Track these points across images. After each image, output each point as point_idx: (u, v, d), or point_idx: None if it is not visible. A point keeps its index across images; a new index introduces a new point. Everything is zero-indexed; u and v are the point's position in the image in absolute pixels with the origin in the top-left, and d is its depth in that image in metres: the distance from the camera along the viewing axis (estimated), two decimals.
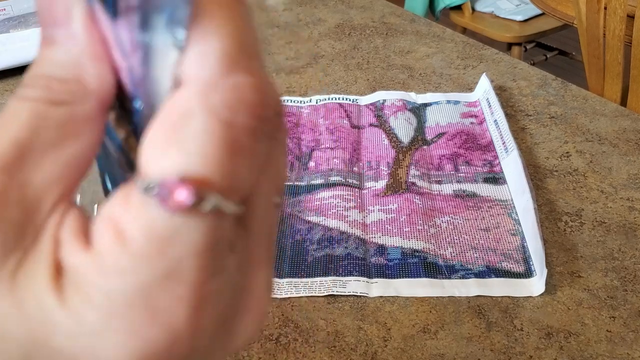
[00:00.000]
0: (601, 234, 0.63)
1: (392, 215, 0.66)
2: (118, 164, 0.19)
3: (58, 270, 0.14)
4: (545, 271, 0.57)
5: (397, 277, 0.59)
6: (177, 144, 0.14)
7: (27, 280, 0.14)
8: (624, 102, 1.20)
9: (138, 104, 0.17)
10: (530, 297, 0.56)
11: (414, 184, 0.70)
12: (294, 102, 0.88)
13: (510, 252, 0.61)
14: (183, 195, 0.14)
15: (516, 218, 0.65)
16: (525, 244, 0.62)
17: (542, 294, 0.56)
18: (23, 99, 0.16)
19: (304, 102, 0.87)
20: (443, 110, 0.84)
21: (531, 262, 0.60)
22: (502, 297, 0.57)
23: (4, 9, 1.16)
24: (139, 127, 0.17)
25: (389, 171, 0.73)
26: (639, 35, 1.06)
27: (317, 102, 0.87)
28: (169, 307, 0.14)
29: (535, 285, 0.57)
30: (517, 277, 0.58)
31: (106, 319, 0.14)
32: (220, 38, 0.15)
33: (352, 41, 1.06)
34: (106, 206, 0.15)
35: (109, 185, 0.21)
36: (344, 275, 0.59)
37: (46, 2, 0.16)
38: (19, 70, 0.99)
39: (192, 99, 0.14)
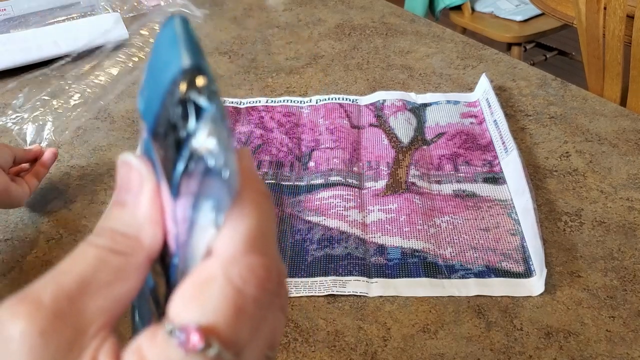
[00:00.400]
0: (601, 234, 0.63)
1: (392, 215, 0.66)
2: (147, 302, 0.24)
3: None
4: (544, 271, 0.57)
5: (397, 277, 0.59)
6: (199, 300, 0.19)
7: None
8: (623, 102, 1.20)
9: (176, 261, 0.21)
10: (530, 297, 0.57)
11: (413, 184, 0.70)
12: (294, 102, 0.88)
13: (509, 252, 0.61)
14: (196, 340, 0.18)
15: (516, 218, 0.65)
16: (524, 244, 0.62)
17: (541, 294, 0.57)
18: (92, 245, 0.21)
19: (304, 102, 0.87)
20: (443, 110, 0.84)
21: (531, 262, 0.60)
22: (501, 297, 0.57)
23: (4, 9, 1.16)
24: (172, 278, 0.22)
25: (389, 171, 0.73)
26: (638, 35, 1.06)
27: (317, 102, 0.87)
28: None
29: (534, 285, 0.57)
30: (517, 277, 0.58)
31: None
32: (247, 225, 0.20)
33: (352, 41, 1.06)
34: (137, 338, 0.19)
35: (137, 317, 0.25)
36: (344, 275, 0.59)
37: (126, 173, 0.22)
38: (19, 70, 0.99)
39: (216, 268, 0.19)
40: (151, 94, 0.21)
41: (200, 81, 0.19)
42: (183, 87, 0.19)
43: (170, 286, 0.22)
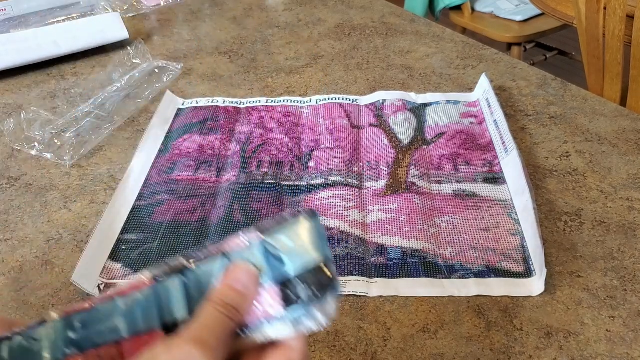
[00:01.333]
0: (601, 234, 0.63)
1: (392, 215, 0.66)
2: None
3: None
4: (544, 271, 0.57)
5: (397, 277, 0.59)
6: None
7: None
8: (623, 102, 1.20)
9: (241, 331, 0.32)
10: (530, 296, 0.57)
11: (413, 184, 0.70)
12: (294, 102, 0.88)
13: (509, 252, 0.61)
14: None
15: (516, 218, 0.65)
16: (524, 244, 0.62)
17: (541, 294, 0.57)
18: (219, 309, 0.31)
19: (304, 102, 0.87)
20: (443, 111, 0.84)
21: (531, 262, 0.60)
22: (501, 296, 0.57)
23: (4, 9, 1.16)
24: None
25: (389, 171, 0.73)
26: (638, 35, 1.06)
27: (317, 102, 0.87)
28: None
29: (534, 285, 0.57)
30: (517, 277, 0.58)
31: None
32: (305, 340, 0.33)
33: (352, 41, 1.06)
34: None
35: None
36: (344, 275, 0.59)
37: (242, 274, 0.33)
38: (19, 70, 0.99)
39: (299, 356, 0.32)
40: (294, 261, 0.32)
41: (333, 270, 0.32)
42: (328, 272, 0.32)
43: None
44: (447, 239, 0.63)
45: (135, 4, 1.22)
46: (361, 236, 0.64)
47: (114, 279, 0.60)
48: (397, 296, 0.57)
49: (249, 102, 0.88)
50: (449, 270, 0.59)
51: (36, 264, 0.63)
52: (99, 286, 0.59)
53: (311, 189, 0.71)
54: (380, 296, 0.57)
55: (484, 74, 0.88)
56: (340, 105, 0.86)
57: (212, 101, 0.89)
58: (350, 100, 0.87)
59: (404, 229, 0.64)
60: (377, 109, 0.85)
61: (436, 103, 0.85)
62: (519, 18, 2.04)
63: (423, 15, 2.03)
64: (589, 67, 1.23)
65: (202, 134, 0.81)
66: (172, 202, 0.70)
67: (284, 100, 0.88)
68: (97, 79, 0.97)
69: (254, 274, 0.33)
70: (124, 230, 0.66)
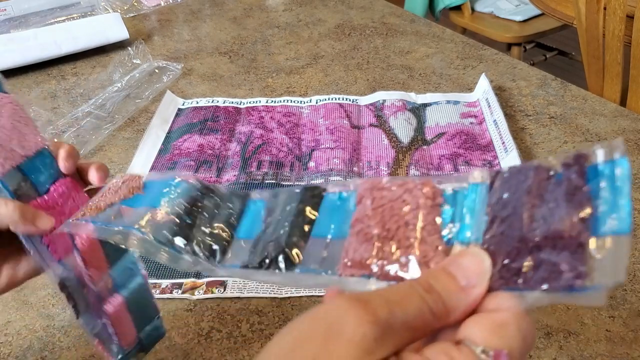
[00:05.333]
0: None
1: None
2: (477, 232, 0.28)
3: None
4: None
5: None
6: (499, 336, 0.24)
7: None
8: (623, 102, 1.20)
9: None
10: None
11: None
12: (294, 102, 0.88)
13: None
14: None
15: None
16: None
17: None
18: (420, 296, 0.25)
19: (304, 102, 0.87)
20: (443, 111, 0.84)
21: None
22: None
23: (5, 10, 1.16)
24: None
25: (389, 171, 0.73)
26: (638, 35, 1.06)
27: (317, 102, 0.87)
28: None
29: None
30: None
31: None
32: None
33: (352, 41, 1.06)
34: (441, 345, 0.24)
35: (461, 233, 0.29)
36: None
37: (473, 263, 0.26)
38: (19, 71, 0.99)
39: (511, 317, 0.24)
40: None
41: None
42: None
43: None
44: None
45: (136, 4, 1.22)
46: None
47: None
48: None
49: (249, 102, 0.88)
50: None
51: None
52: None
53: None
54: None
55: (483, 74, 0.88)
56: (340, 105, 0.86)
57: (212, 101, 0.89)
58: (350, 100, 0.87)
59: None
60: (377, 109, 0.85)
61: (436, 103, 0.85)
62: (518, 18, 2.04)
63: (423, 16, 2.03)
64: (589, 67, 1.23)
65: (202, 134, 0.81)
66: None
67: (284, 101, 0.88)
68: (98, 79, 0.97)
69: (485, 268, 0.26)
70: None
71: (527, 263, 0.25)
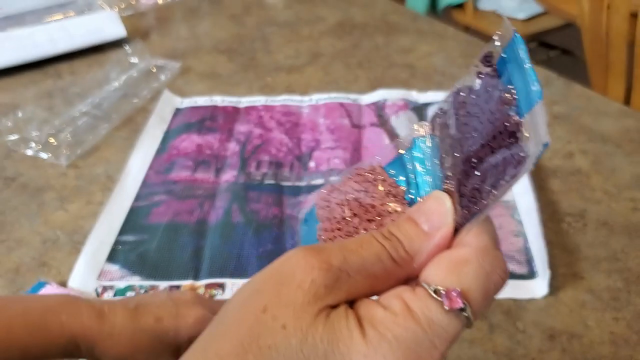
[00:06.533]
0: (604, 235, 0.62)
1: None
2: (435, 180, 0.28)
3: (358, 319, 0.23)
4: (548, 273, 0.56)
5: None
6: (457, 274, 0.24)
7: (338, 319, 0.23)
8: (627, 101, 1.19)
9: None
10: (533, 298, 0.56)
11: None
12: (294, 101, 0.87)
13: (512, 253, 0.60)
14: (459, 302, 0.23)
15: (519, 219, 0.64)
16: (527, 245, 0.61)
17: (545, 296, 0.56)
18: (379, 242, 0.25)
19: (304, 101, 0.86)
20: None
21: (534, 264, 0.59)
22: (504, 298, 0.56)
23: (0, 8, 1.15)
24: (465, 198, 0.25)
25: None
26: None
27: (317, 102, 0.86)
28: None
29: (538, 287, 0.56)
30: (520, 279, 0.58)
31: (392, 350, 0.22)
32: (492, 228, 0.25)
33: (353, 39, 1.05)
34: (397, 289, 0.24)
35: (421, 189, 0.29)
36: None
37: (435, 206, 0.25)
38: (15, 69, 0.98)
39: (472, 253, 0.24)
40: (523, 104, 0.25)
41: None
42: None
43: (458, 187, 0.27)
44: None
45: (133, 2, 1.21)
46: None
47: (111, 280, 0.60)
48: None
49: (248, 102, 0.87)
50: None
51: (32, 265, 0.62)
52: (96, 290, 0.59)
53: (311, 189, 0.70)
54: None
55: None
56: (341, 104, 0.85)
57: (211, 100, 0.88)
58: (351, 99, 0.86)
59: None
60: (379, 108, 0.84)
61: (438, 102, 0.85)
62: (521, 16, 2.03)
63: (424, 13, 2.02)
64: (593, 66, 1.22)
65: (200, 133, 0.80)
66: (170, 202, 0.69)
67: (283, 100, 0.87)
68: (94, 78, 0.96)
69: (446, 207, 0.25)
70: (121, 231, 0.65)
71: (476, 180, 0.25)
